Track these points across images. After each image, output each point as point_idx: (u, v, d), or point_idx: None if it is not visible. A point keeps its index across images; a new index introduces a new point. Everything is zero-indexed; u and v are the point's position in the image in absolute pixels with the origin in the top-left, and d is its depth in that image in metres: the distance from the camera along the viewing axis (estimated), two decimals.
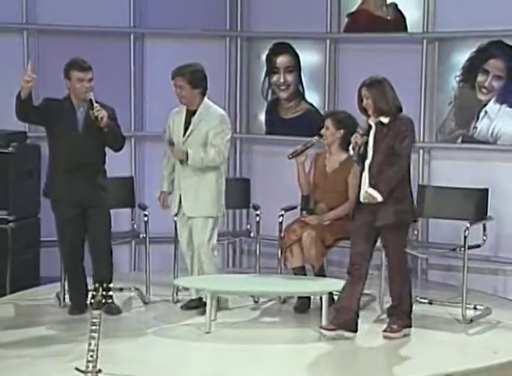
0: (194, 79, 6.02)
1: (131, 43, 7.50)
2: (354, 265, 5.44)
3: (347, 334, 5.45)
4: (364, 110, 5.52)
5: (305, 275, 6.06)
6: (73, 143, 5.81)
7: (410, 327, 5.59)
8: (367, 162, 5.40)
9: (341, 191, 6.08)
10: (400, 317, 5.55)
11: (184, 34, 7.57)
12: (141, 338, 5.49)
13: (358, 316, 5.50)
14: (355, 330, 5.48)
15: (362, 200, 5.40)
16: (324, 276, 6.05)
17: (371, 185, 5.35)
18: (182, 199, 5.98)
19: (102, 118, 5.74)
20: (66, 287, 6.05)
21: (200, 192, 5.92)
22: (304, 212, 6.32)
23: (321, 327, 5.49)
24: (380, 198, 5.32)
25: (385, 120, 5.43)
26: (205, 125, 6.00)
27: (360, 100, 5.54)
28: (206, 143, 5.96)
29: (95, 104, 5.76)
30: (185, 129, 6.04)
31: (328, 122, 6.12)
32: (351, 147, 5.40)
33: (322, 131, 6.12)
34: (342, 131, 6.07)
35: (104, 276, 5.62)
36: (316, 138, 6.17)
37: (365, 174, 5.41)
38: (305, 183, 6.19)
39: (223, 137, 5.99)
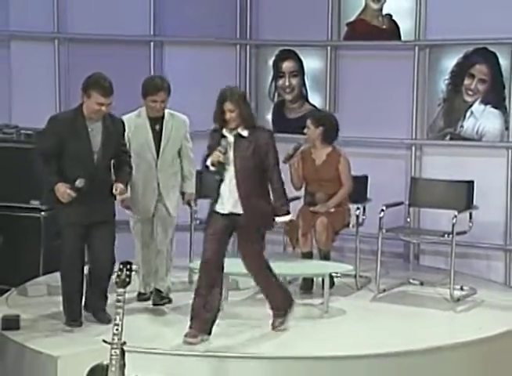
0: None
1: (151, 50, 7.52)
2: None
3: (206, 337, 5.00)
4: (224, 123, 4.97)
5: (312, 259, 6.11)
6: (89, 168, 5.12)
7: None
8: (228, 175, 4.95)
9: (334, 179, 6.16)
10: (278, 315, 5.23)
11: (199, 41, 7.58)
12: (160, 315, 5.56)
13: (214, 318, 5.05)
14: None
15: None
16: (328, 259, 6.10)
17: (240, 196, 4.92)
18: (165, 200, 5.71)
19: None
20: (65, 301, 5.30)
21: (176, 193, 5.81)
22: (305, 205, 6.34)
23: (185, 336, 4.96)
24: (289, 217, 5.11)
25: (245, 133, 4.95)
26: (177, 134, 5.74)
27: (221, 112, 4.97)
28: (178, 153, 5.75)
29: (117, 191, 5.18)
30: (158, 140, 5.67)
31: (308, 122, 6.23)
32: (209, 163, 4.92)
33: (305, 131, 6.20)
34: (321, 127, 6.16)
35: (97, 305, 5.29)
36: (302, 141, 6.20)
37: (228, 185, 4.96)
38: (297, 180, 6.24)
39: (190, 147, 5.84)
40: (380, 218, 6.09)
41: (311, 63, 7.61)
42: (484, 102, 6.91)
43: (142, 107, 5.76)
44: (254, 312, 5.59)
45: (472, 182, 6.27)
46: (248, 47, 7.75)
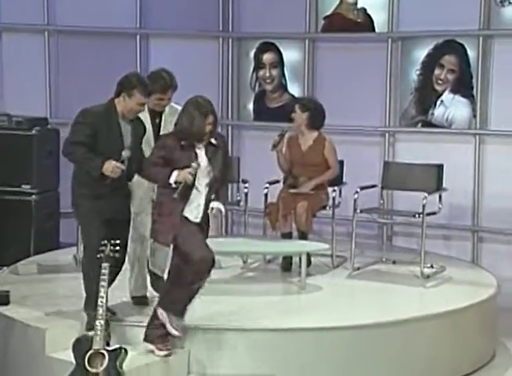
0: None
1: (137, 43, 7.52)
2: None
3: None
4: (203, 136, 4.60)
5: (291, 239, 6.12)
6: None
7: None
8: (204, 183, 4.62)
9: (319, 164, 6.16)
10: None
11: (183, 34, 7.60)
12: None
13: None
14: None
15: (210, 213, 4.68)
16: (306, 240, 6.10)
17: (205, 204, 4.65)
18: None
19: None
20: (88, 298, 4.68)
21: None
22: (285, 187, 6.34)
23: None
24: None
25: (213, 140, 4.69)
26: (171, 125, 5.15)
27: (205, 125, 4.57)
28: None
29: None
30: (157, 133, 5.15)
31: (296, 106, 6.20)
32: (173, 180, 4.52)
33: (292, 115, 6.19)
34: (308, 112, 6.14)
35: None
36: (287, 127, 6.20)
37: (202, 193, 4.65)
38: (285, 164, 6.24)
39: None
40: (355, 200, 6.10)
41: (291, 54, 7.64)
42: (454, 91, 6.96)
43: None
44: (235, 288, 5.60)
45: (441, 165, 6.29)
46: (230, 40, 7.76)
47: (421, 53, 7.05)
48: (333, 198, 6.25)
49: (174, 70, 7.66)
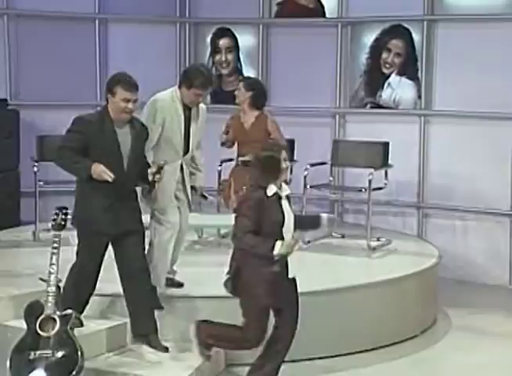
0: None
1: (96, 27, 7.44)
2: None
3: None
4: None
5: None
6: (117, 173, 4.31)
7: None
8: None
9: (263, 140, 6.12)
10: None
11: (141, 19, 7.55)
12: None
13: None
14: None
15: None
16: None
17: None
18: (187, 189, 4.95)
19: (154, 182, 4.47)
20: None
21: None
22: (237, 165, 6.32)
23: None
24: None
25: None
26: (202, 123, 4.99)
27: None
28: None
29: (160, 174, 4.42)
30: (188, 127, 4.84)
31: (241, 85, 6.17)
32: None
33: (236, 92, 6.17)
34: (251, 92, 6.11)
35: (148, 327, 4.46)
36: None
37: None
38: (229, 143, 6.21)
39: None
40: (305, 176, 6.13)
41: (246, 39, 7.64)
42: (400, 74, 7.02)
43: (174, 89, 4.83)
44: (187, 260, 5.59)
45: (387, 143, 6.36)
46: (187, 25, 7.73)
47: (369, 38, 7.11)
48: None
49: (132, 55, 7.68)
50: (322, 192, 6.56)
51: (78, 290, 4.41)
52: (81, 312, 4.42)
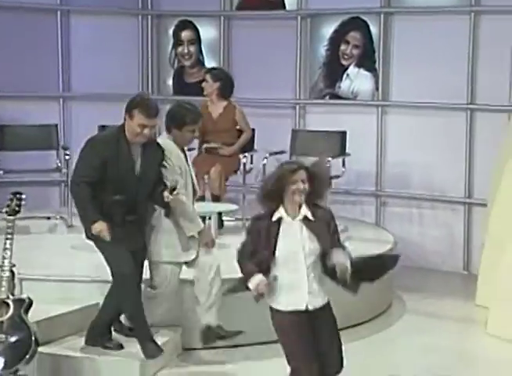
0: None
1: (57, 19, 7.35)
2: None
3: None
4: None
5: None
6: (131, 195, 4.22)
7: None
8: None
9: (230, 130, 6.22)
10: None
11: (103, 11, 7.51)
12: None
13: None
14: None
15: None
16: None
17: None
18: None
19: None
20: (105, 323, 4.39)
21: None
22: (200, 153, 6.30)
23: None
24: None
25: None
26: None
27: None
28: None
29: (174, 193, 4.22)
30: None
31: (207, 76, 6.20)
32: None
33: (203, 84, 6.17)
34: (218, 83, 6.12)
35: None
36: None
37: None
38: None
39: None
40: (264, 165, 6.12)
41: (207, 31, 7.61)
42: (358, 65, 7.05)
43: (165, 136, 4.57)
44: None
45: (344, 132, 6.39)
46: (150, 17, 7.67)
47: (328, 30, 7.13)
48: (244, 164, 6.25)
49: (95, 47, 7.61)
50: None
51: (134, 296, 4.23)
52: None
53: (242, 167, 6.24)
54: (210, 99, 6.19)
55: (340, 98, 7.12)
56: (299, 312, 3.55)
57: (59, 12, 7.35)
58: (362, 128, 6.92)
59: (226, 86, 6.16)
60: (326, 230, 3.59)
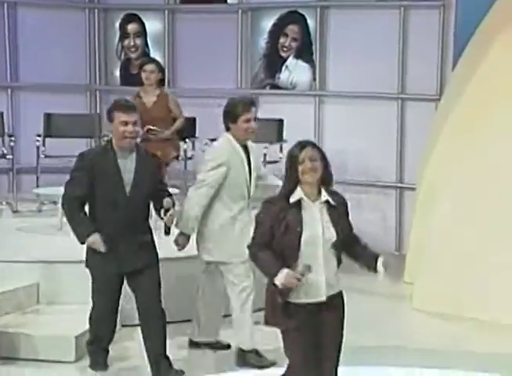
0: None
1: (4, 11, 7.36)
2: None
3: None
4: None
5: None
6: (120, 207, 4.01)
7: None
8: None
9: (165, 117, 6.27)
10: None
11: (51, 4, 7.57)
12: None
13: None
14: None
15: None
16: None
17: None
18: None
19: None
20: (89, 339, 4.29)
21: None
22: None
23: None
24: None
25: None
26: (258, 162, 4.52)
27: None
28: None
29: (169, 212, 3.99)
30: (249, 171, 4.32)
31: (152, 67, 6.21)
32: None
33: (145, 75, 6.21)
34: (160, 73, 6.20)
35: (159, 350, 4.17)
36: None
37: None
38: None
39: None
40: (203, 151, 6.19)
41: (152, 25, 7.69)
42: (297, 57, 7.23)
43: (225, 134, 4.32)
44: None
45: (282, 119, 6.52)
46: (96, 11, 7.73)
47: (268, 23, 7.29)
48: (185, 151, 6.34)
49: (42, 40, 7.61)
50: None
51: (100, 331, 4.17)
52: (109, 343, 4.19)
53: (183, 153, 6.33)
54: (143, 87, 6.25)
55: (279, 88, 7.28)
56: (314, 304, 3.28)
57: (5, 4, 7.36)
58: (300, 116, 7.08)
59: (163, 76, 6.23)
60: (344, 218, 3.38)
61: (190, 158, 6.43)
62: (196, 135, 6.64)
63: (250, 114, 4.25)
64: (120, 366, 4.38)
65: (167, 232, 4.03)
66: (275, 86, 7.29)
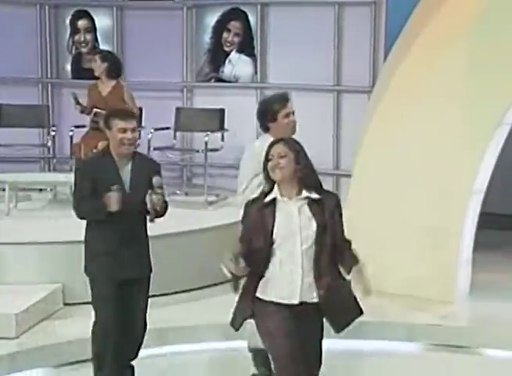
0: None
1: None
2: None
3: None
4: None
5: None
6: (119, 215, 3.90)
7: None
8: None
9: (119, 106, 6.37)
10: None
11: (3, 1, 7.61)
12: None
13: None
14: None
15: None
16: None
17: None
18: None
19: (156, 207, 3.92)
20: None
21: None
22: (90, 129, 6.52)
23: None
24: None
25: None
26: None
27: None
28: None
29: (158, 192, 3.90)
30: None
31: (96, 57, 6.46)
32: None
33: (92, 65, 6.42)
34: (106, 63, 6.36)
35: (130, 356, 4.12)
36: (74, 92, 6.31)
37: None
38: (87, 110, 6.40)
39: None
40: (149, 140, 6.41)
41: (102, 20, 7.87)
42: (239, 51, 7.50)
43: (265, 135, 4.17)
44: (43, 214, 5.78)
45: (223, 109, 6.75)
46: (47, 7, 7.86)
47: (212, 19, 7.52)
48: None
49: None
50: (163, 153, 6.85)
51: (108, 347, 3.95)
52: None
53: None
54: (100, 78, 6.41)
55: (223, 81, 7.51)
56: (290, 306, 3.13)
57: None
58: (243, 108, 7.30)
59: (114, 67, 6.41)
60: (332, 214, 3.18)
61: (137, 147, 6.58)
62: (143, 124, 6.82)
63: (288, 109, 4.12)
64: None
65: (152, 219, 3.86)
66: (219, 79, 7.54)
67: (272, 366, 3.27)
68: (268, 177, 3.23)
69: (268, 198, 3.20)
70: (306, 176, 3.24)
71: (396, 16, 6.53)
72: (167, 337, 4.73)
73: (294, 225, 3.15)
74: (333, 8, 7.06)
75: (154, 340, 4.48)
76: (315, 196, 3.18)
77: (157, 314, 4.56)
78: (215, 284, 5.37)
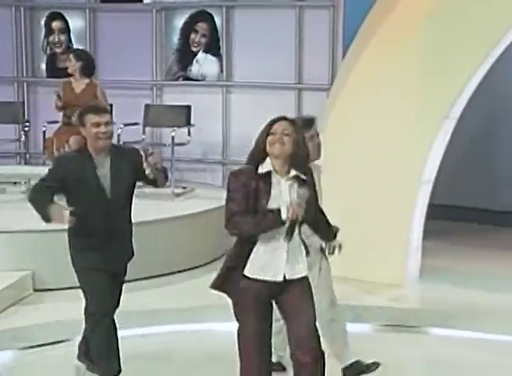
0: None
1: None
2: None
3: None
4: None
5: None
6: (101, 207, 3.84)
7: None
8: None
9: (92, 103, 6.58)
10: None
11: None
12: None
13: None
14: None
15: None
16: None
17: None
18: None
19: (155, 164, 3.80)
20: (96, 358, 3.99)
21: None
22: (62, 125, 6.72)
23: None
24: None
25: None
26: None
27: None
28: None
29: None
30: None
31: (71, 56, 6.64)
32: None
33: (67, 63, 6.62)
34: (80, 62, 6.57)
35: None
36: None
37: None
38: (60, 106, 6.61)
39: None
40: (119, 134, 6.64)
41: (75, 22, 8.12)
42: (206, 51, 7.76)
43: None
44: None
45: (189, 106, 7.03)
46: (23, 9, 8.09)
47: (180, 21, 7.79)
48: None
49: None
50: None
51: (108, 339, 3.88)
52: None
53: None
54: (74, 76, 6.61)
55: (191, 79, 7.78)
56: (273, 283, 3.10)
57: None
58: (210, 105, 7.60)
59: (87, 65, 6.59)
60: (313, 196, 3.21)
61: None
62: (114, 120, 6.98)
63: (312, 131, 3.96)
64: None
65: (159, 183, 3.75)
66: (187, 78, 7.81)
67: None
68: (260, 151, 3.19)
69: (263, 170, 3.18)
70: (300, 160, 3.21)
71: (353, 18, 6.83)
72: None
73: (283, 204, 3.12)
74: (295, 10, 7.36)
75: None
76: (303, 176, 3.20)
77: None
78: (189, 269, 5.61)
